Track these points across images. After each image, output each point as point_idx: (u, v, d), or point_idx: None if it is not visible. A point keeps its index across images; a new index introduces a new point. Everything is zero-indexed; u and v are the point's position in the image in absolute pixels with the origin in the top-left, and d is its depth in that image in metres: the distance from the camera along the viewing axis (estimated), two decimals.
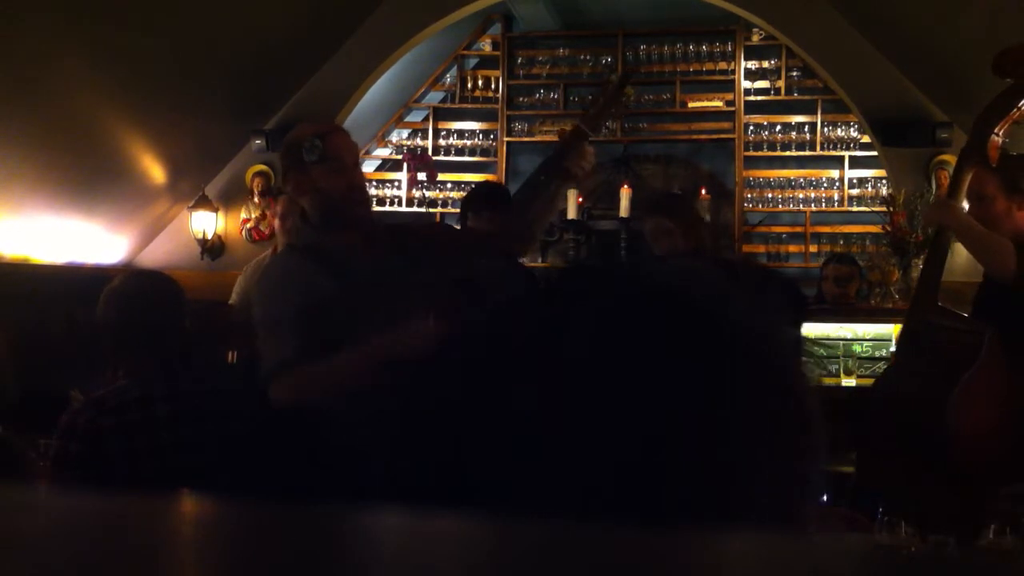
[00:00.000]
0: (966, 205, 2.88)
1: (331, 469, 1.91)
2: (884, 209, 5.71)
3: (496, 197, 3.56)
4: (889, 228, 5.58)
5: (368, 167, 7.38)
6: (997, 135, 2.75)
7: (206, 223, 6.30)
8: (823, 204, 6.54)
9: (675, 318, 0.56)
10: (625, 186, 6.56)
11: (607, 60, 6.94)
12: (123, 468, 2.18)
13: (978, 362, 2.58)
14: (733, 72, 6.67)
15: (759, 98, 6.69)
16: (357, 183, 2.36)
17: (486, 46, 7.21)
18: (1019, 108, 2.77)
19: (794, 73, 6.61)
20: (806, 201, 6.56)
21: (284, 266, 2.37)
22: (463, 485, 0.55)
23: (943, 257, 2.87)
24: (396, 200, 7.13)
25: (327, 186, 2.30)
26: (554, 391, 0.55)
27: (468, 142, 7.11)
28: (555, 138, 6.87)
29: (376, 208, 7.08)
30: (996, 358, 2.57)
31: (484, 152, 7.08)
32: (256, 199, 6.41)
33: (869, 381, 5.10)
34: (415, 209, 7.00)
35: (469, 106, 7.16)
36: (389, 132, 7.30)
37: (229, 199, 6.44)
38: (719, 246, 4.00)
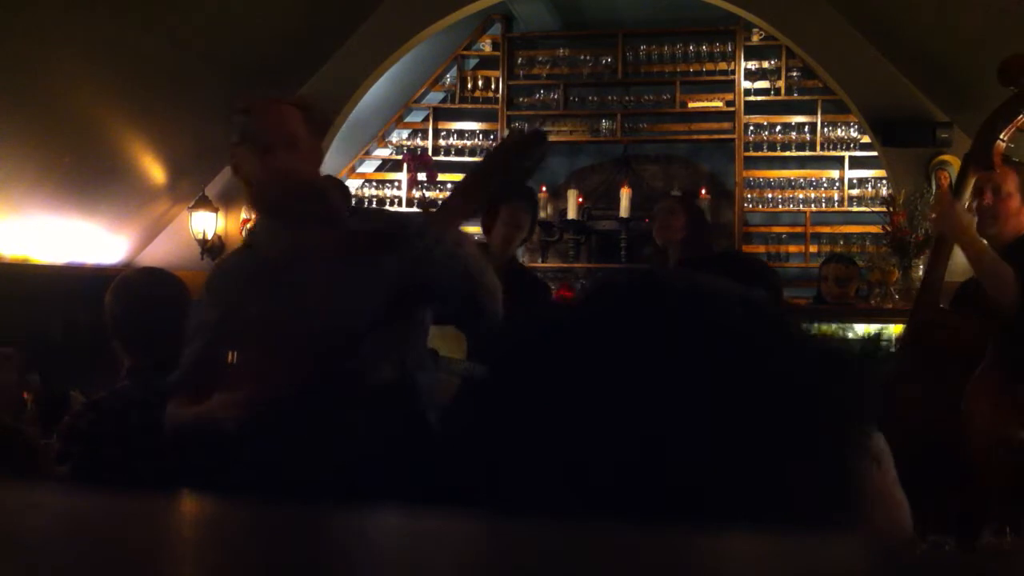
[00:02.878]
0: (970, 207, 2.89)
1: (329, 469, 1.91)
2: (884, 209, 5.71)
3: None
4: (889, 228, 5.58)
5: (368, 167, 7.38)
6: (1003, 140, 2.78)
7: (206, 223, 6.30)
8: (823, 204, 6.54)
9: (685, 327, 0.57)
10: (625, 186, 6.56)
11: (607, 60, 6.94)
12: (124, 470, 2.18)
13: (984, 363, 2.59)
14: (733, 72, 6.67)
15: (759, 98, 6.68)
16: (281, 168, 1.92)
17: (486, 46, 7.20)
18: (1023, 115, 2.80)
19: (794, 73, 6.61)
20: (806, 201, 6.56)
21: (213, 270, 2.11)
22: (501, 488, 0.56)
23: (946, 259, 2.88)
24: (396, 200, 7.14)
25: (249, 172, 1.99)
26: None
27: (468, 142, 7.11)
28: (557, 138, 6.93)
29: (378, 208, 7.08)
30: (1000, 359, 2.57)
31: (484, 152, 7.07)
32: None
33: None
34: (415, 209, 7.00)
35: (469, 106, 7.16)
36: (389, 132, 7.30)
37: (229, 199, 6.44)
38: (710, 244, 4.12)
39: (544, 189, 6.65)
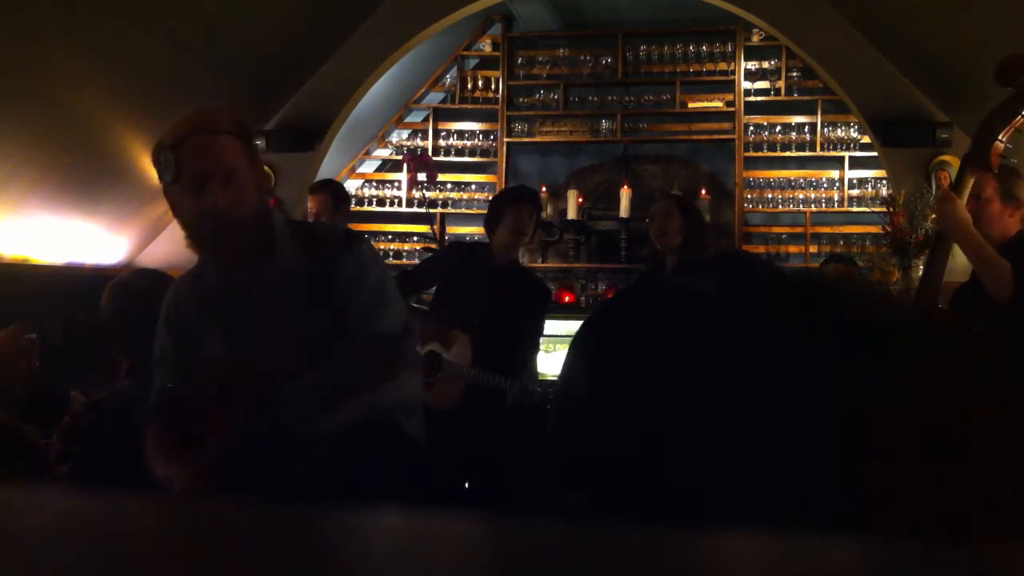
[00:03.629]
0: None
1: (331, 470, 1.91)
2: (884, 209, 5.71)
3: (525, 197, 3.71)
4: (889, 229, 5.58)
5: (368, 167, 7.38)
6: (1001, 141, 2.79)
7: None
8: (823, 204, 6.54)
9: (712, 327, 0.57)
10: (625, 186, 6.56)
11: (607, 60, 6.94)
12: (124, 470, 2.18)
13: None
14: (733, 72, 6.67)
15: (759, 98, 6.69)
16: (221, 206, 1.82)
17: (486, 46, 7.21)
18: (1022, 115, 2.81)
19: (794, 73, 6.61)
20: (806, 201, 6.57)
21: (169, 296, 2.09)
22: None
23: (945, 259, 2.88)
24: (396, 200, 7.14)
25: (187, 214, 1.88)
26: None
27: (468, 142, 7.11)
28: (557, 138, 6.92)
29: (375, 209, 7.09)
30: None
31: (484, 152, 7.08)
32: None
33: None
34: (415, 209, 7.00)
35: (469, 106, 7.16)
36: (389, 132, 7.30)
37: None
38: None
39: (544, 189, 6.65)
